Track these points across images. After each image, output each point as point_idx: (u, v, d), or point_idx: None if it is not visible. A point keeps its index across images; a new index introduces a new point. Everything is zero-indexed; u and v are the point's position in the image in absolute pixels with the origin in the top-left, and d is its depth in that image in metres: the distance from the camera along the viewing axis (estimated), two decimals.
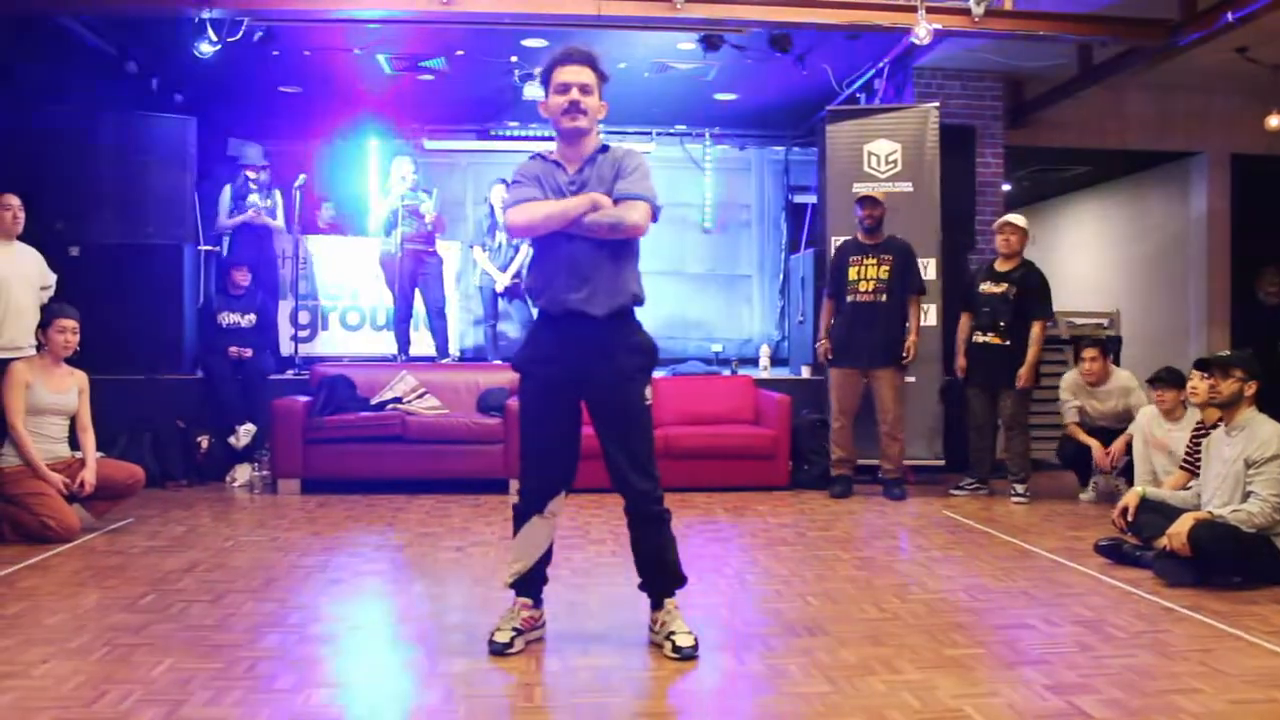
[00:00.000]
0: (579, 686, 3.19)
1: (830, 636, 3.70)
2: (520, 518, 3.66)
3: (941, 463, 7.42)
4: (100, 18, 7.35)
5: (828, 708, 3.00)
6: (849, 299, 6.92)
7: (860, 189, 7.40)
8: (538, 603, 3.69)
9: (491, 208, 8.73)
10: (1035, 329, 6.73)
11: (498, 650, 3.47)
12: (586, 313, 3.45)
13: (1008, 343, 6.74)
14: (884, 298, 6.84)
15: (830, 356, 7.02)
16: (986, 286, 6.87)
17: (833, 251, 7.28)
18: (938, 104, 7.76)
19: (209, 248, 8.59)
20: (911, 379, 7.27)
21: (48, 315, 5.70)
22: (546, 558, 3.69)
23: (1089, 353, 6.77)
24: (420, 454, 6.95)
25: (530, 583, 3.66)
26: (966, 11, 6.72)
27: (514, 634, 3.53)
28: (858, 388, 6.93)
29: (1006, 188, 9.02)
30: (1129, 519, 4.95)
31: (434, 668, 3.37)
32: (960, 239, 8.12)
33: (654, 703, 3.06)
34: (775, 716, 2.98)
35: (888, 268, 6.86)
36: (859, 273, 6.89)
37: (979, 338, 6.86)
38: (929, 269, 7.44)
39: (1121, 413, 6.66)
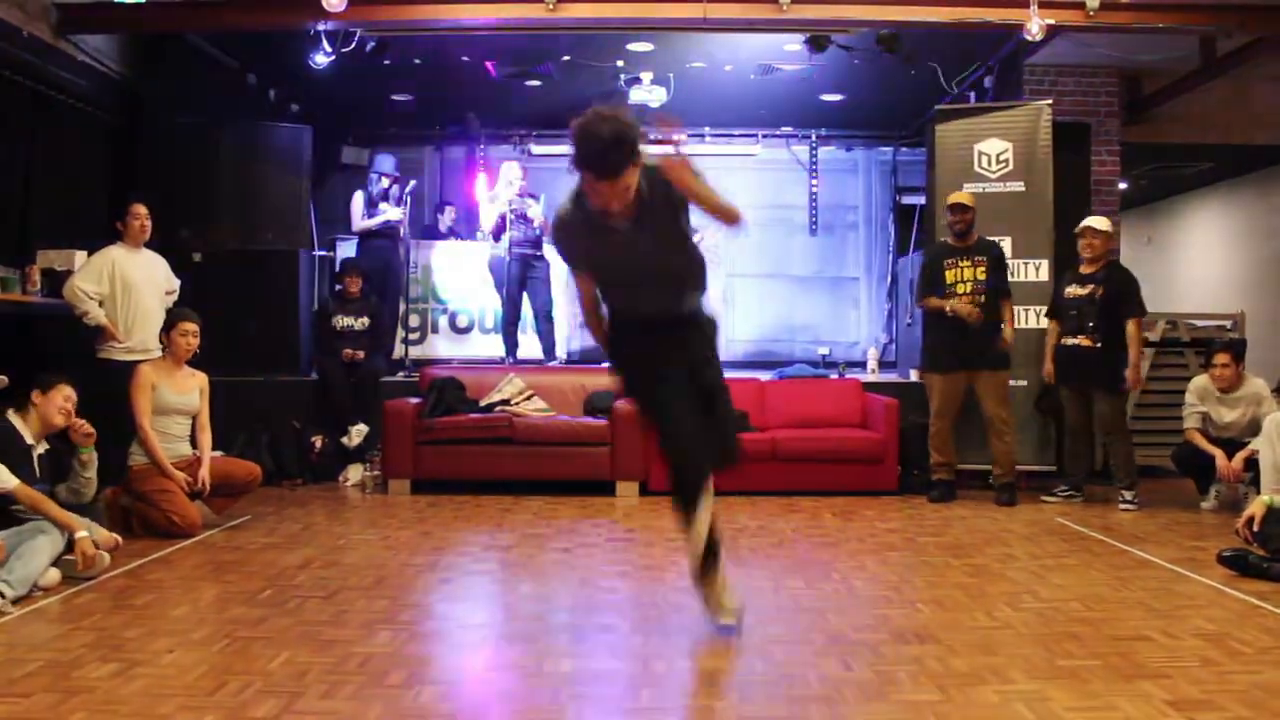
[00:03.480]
0: (687, 689, 3.19)
1: (941, 644, 3.63)
2: None
3: (1053, 469, 7.23)
4: (222, 33, 7.61)
5: (938, 717, 2.95)
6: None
7: (969, 189, 7.26)
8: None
9: None
10: (1131, 328, 6.52)
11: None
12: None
13: (1098, 345, 6.55)
14: (982, 299, 6.73)
15: (930, 357, 6.92)
16: (1072, 290, 6.68)
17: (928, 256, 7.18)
18: (1050, 101, 7.57)
19: (324, 253, 8.82)
20: (1023, 382, 7.13)
21: (171, 318, 5.92)
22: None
23: (1221, 358, 6.52)
24: (528, 455, 7.03)
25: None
26: (1081, 5, 6.56)
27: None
28: (958, 391, 6.82)
29: (1123, 186, 8.78)
30: (1255, 529, 4.76)
31: (541, 667, 3.41)
32: (1074, 240, 7.89)
33: (761, 706, 3.04)
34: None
35: (984, 269, 6.76)
36: (956, 275, 6.79)
37: (1068, 340, 6.68)
38: (1041, 270, 7.28)
39: (1249, 423, 6.38)
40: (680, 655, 3.52)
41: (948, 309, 6.79)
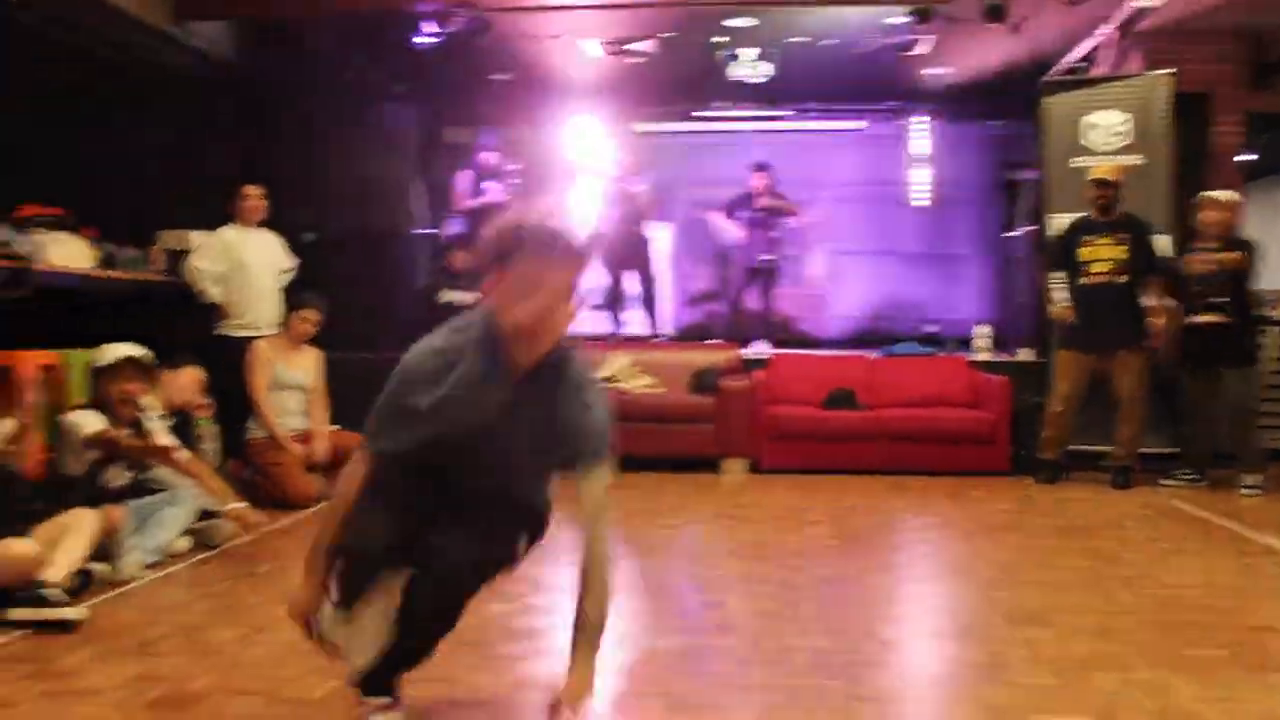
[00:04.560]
0: (796, 668, 3.18)
1: (1055, 628, 3.56)
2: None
3: (1169, 451, 7.00)
4: (331, 17, 7.75)
5: (1053, 702, 2.89)
6: (1080, 281, 6.59)
7: (1080, 163, 7.05)
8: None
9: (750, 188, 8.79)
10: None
11: None
12: None
13: (1225, 320, 6.31)
14: (1122, 278, 6.49)
15: (1064, 331, 6.73)
16: (1195, 265, 6.42)
17: (1055, 229, 6.97)
18: (1172, 70, 7.30)
19: (431, 231, 8.94)
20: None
21: (298, 301, 6.08)
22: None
23: None
24: (634, 432, 6.99)
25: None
26: None
27: None
28: (1088, 373, 6.62)
29: (1251, 158, 8.43)
30: None
31: (651, 642, 3.43)
32: (1195, 214, 7.62)
33: (871, 687, 3.01)
34: (997, 708, 2.87)
35: (1125, 247, 6.50)
36: (1092, 253, 6.55)
37: (1193, 319, 6.43)
38: (1160, 246, 7.04)
39: None
40: (790, 633, 3.50)
41: (1051, 313, 6.72)
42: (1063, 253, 6.74)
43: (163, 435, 4.54)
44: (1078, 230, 6.72)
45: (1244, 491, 6.27)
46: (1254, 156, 8.62)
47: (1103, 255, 6.54)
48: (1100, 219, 6.63)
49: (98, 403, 4.53)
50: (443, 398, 2.37)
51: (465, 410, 2.37)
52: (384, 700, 2.61)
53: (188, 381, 5.11)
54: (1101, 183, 6.60)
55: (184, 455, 4.62)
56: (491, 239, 2.34)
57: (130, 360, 4.56)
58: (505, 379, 2.39)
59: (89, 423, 4.39)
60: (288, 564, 4.47)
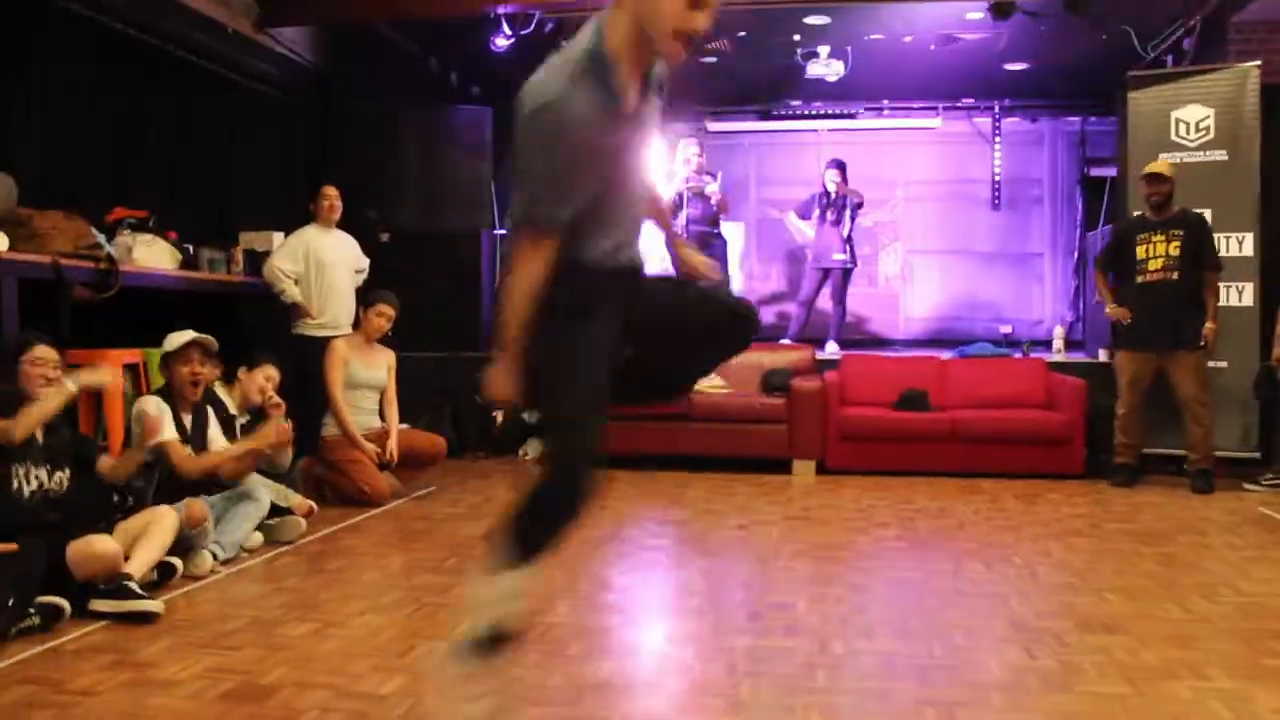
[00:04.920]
0: (864, 671, 3.16)
1: (1130, 635, 3.48)
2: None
3: (1256, 455, 6.82)
4: (407, 21, 7.86)
5: (1127, 711, 2.84)
6: (1138, 279, 6.51)
7: (1165, 159, 6.91)
8: None
9: (825, 188, 8.73)
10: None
11: None
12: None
13: None
14: (1175, 275, 6.39)
15: (1122, 332, 6.63)
16: None
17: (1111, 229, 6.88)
18: (1258, 63, 7.09)
19: (504, 231, 9.02)
20: (1223, 363, 6.76)
21: (373, 298, 6.17)
22: None
23: None
24: (704, 432, 7.06)
25: None
26: None
27: None
28: (1148, 371, 6.50)
29: None
30: None
31: (718, 642, 3.43)
32: None
33: (939, 691, 2.98)
34: (1069, 716, 2.83)
35: (1179, 243, 6.40)
36: (1148, 250, 6.46)
37: None
38: (1245, 244, 6.85)
39: None
40: (858, 636, 3.48)
41: (1107, 313, 6.68)
42: (1117, 252, 6.67)
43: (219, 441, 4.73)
44: (1133, 228, 6.64)
45: None
46: None
47: (1158, 252, 6.44)
48: (1154, 217, 6.52)
49: (166, 389, 4.65)
50: (578, 141, 2.34)
51: (603, 140, 2.38)
52: (524, 572, 2.49)
53: (261, 381, 5.23)
54: (1155, 177, 6.49)
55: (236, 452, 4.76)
56: None
57: (195, 344, 4.67)
58: (622, 93, 2.42)
59: (150, 407, 4.46)
60: (359, 560, 4.56)
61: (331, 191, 6.48)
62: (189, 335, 4.68)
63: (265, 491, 4.80)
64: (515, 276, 2.39)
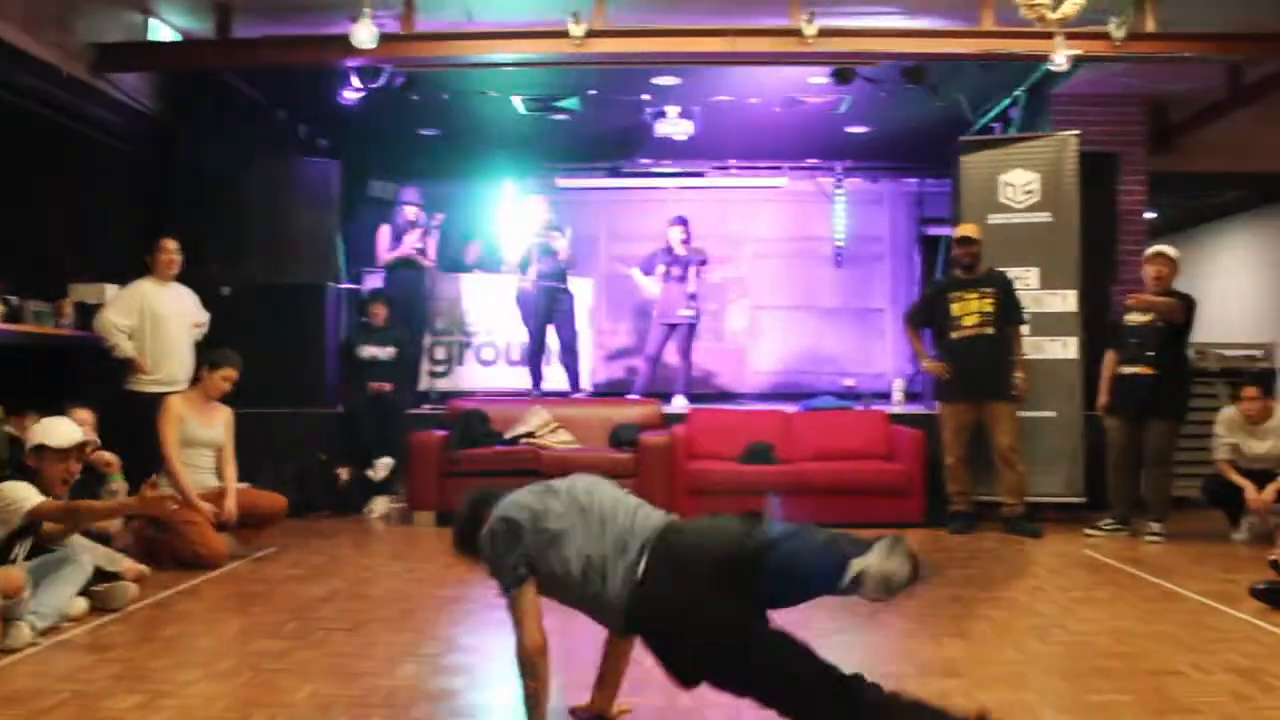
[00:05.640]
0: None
1: (967, 679, 3.59)
2: None
3: (1082, 500, 7.16)
4: (254, 71, 7.72)
5: None
6: (953, 335, 6.86)
7: (995, 220, 7.27)
8: None
9: (669, 244, 8.79)
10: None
11: None
12: None
13: (1156, 372, 6.49)
14: (990, 330, 6.74)
15: (943, 385, 6.94)
16: (1133, 317, 6.63)
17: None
18: (1077, 131, 7.54)
19: (351, 286, 8.88)
20: (1051, 413, 7.10)
21: (217, 360, 5.93)
22: None
23: (1250, 391, 6.47)
24: None
25: None
26: (1106, 36, 6.52)
27: None
28: (969, 422, 6.82)
29: (1151, 215, 8.72)
30: None
31: (565, 701, 3.39)
32: (1101, 270, 7.85)
33: None
34: None
35: (991, 300, 6.76)
36: (963, 307, 6.81)
37: (1126, 369, 6.62)
38: (1069, 300, 7.24)
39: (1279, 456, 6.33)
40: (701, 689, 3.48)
41: (925, 367, 7.14)
42: (930, 309, 7.03)
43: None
44: (947, 287, 7.02)
45: (1148, 539, 6.40)
46: (1152, 215, 8.91)
47: (971, 309, 6.78)
48: (966, 276, 6.87)
49: (34, 477, 4.31)
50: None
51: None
52: None
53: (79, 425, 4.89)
54: (965, 240, 6.88)
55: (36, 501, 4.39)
56: None
57: (82, 445, 4.46)
58: None
59: (30, 497, 4.19)
60: (193, 626, 4.36)
61: (170, 244, 6.29)
62: (77, 435, 4.44)
63: (88, 555, 4.53)
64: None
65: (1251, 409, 6.44)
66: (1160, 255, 6.63)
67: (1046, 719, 3.18)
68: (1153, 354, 6.49)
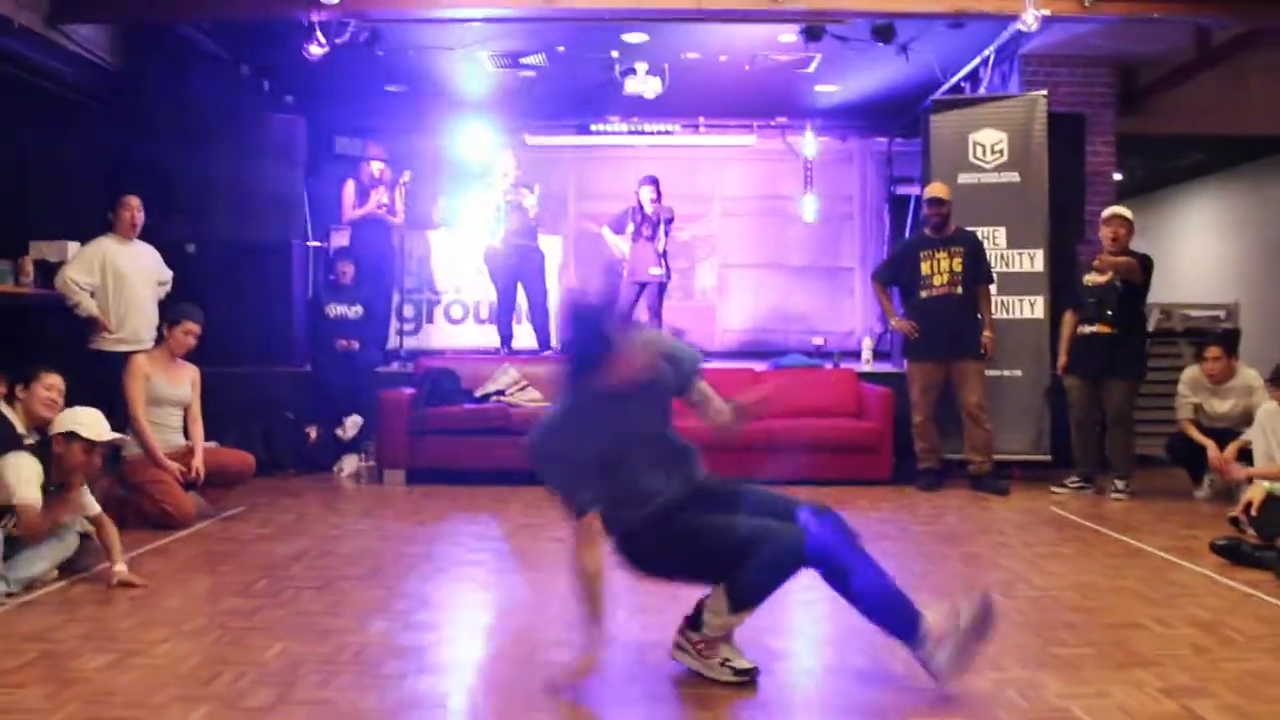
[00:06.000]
0: (683, 679, 3.19)
1: None
2: None
3: (1048, 459, 7.24)
4: (216, 24, 7.57)
5: (930, 704, 2.97)
6: (922, 294, 6.91)
7: (964, 180, 7.29)
8: None
9: (639, 203, 8.71)
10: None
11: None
12: None
13: (1115, 332, 6.57)
14: (959, 289, 6.80)
15: (911, 344, 6.99)
16: (1091, 277, 6.68)
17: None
18: (1045, 92, 7.57)
19: (317, 243, 8.79)
20: (1017, 372, 7.17)
21: (176, 314, 5.87)
22: None
23: (1212, 351, 6.53)
24: (523, 446, 7.00)
25: None
26: None
27: None
28: (938, 380, 6.88)
29: (1118, 177, 8.77)
30: (1253, 514, 4.78)
31: (535, 655, 3.41)
32: (1069, 230, 7.88)
33: (756, 696, 3.05)
34: (880, 711, 2.97)
35: (960, 259, 6.82)
36: (932, 266, 6.86)
37: (1085, 329, 6.69)
38: (1036, 260, 7.29)
39: (1241, 414, 6.40)
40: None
41: (893, 325, 7.18)
42: (898, 268, 7.08)
43: (93, 507, 4.43)
44: (916, 246, 7.05)
45: (1113, 496, 6.51)
46: (1119, 177, 8.96)
47: (941, 268, 6.84)
48: (935, 235, 6.90)
49: (50, 459, 4.30)
50: (586, 440, 3.22)
51: (604, 432, 3.21)
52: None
53: (43, 393, 4.80)
54: (936, 200, 6.89)
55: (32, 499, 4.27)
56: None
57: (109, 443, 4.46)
58: (609, 395, 3.23)
59: (24, 489, 4.15)
60: (162, 585, 4.33)
61: (133, 201, 6.20)
62: (109, 433, 4.42)
63: (74, 535, 4.42)
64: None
65: (1214, 369, 6.51)
66: (1117, 216, 6.68)
67: (1012, 672, 3.23)
68: (1111, 313, 6.57)
